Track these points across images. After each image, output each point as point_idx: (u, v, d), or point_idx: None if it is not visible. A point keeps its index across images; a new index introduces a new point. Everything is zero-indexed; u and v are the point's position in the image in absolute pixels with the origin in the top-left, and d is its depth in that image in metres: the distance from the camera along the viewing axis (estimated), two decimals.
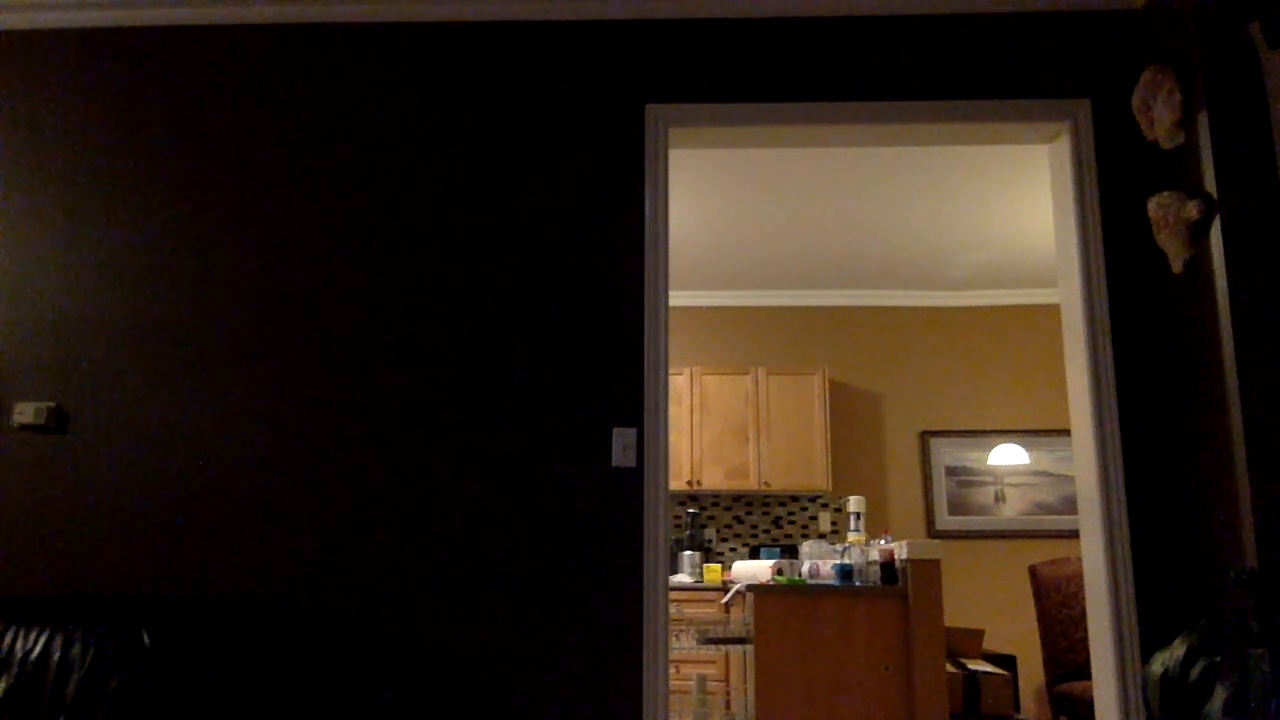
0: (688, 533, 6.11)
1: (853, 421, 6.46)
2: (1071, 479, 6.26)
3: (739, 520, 6.38)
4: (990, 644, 6.09)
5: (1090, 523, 2.85)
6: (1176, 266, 2.78)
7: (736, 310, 6.62)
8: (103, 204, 3.09)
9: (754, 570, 4.22)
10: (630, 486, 2.86)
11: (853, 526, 4.65)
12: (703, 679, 4.35)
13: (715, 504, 6.40)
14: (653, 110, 3.08)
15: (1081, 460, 2.91)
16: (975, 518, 6.30)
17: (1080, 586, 4.56)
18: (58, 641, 2.48)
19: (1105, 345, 2.88)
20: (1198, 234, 2.69)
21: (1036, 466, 6.33)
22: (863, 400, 6.49)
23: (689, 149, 3.79)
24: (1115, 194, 2.97)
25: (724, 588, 5.59)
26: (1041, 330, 6.50)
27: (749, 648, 3.98)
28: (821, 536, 6.32)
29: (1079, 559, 4.71)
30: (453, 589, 2.81)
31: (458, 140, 3.10)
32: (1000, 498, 6.32)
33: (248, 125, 3.13)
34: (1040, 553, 6.22)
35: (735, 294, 6.57)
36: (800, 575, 4.07)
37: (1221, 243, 2.59)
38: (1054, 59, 3.07)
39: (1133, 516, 2.78)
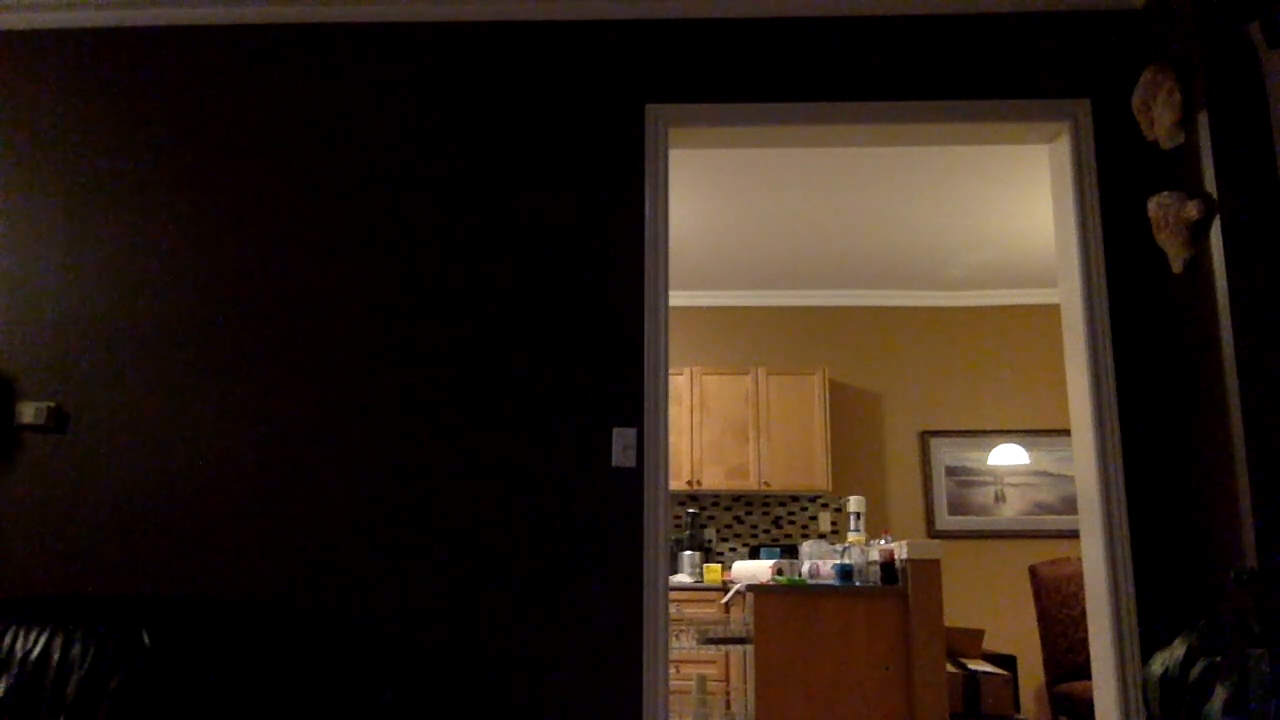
0: (688, 533, 6.11)
1: (853, 421, 6.46)
2: (1071, 479, 6.26)
3: (739, 520, 6.38)
4: (990, 644, 6.09)
5: (1090, 523, 2.85)
6: (1176, 266, 2.78)
7: (736, 310, 6.62)
8: (103, 204, 3.09)
9: (754, 570, 4.22)
10: (630, 486, 2.86)
11: (853, 526, 4.65)
12: (703, 679, 4.35)
13: (715, 504, 6.40)
14: (653, 110, 3.08)
15: (1081, 460, 2.91)
16: (975, 518, 6.30)
17: (1080, 586, 4.56)
18: (58, 641, 2.48)
19: (1105, 345, 2.88)
20: (1198, 234, 2.69)
21: (1036, 466, 6.33)
22: (863, 400, 6.49)
23: (689, 149, 3.79)
24: (1115, 194, 2.97)
25: (724, 588, 5.59)
26: (1041, 330, 6.50)
27: (749, 648, 3.98)
28: (821, 536, 6.32)
29: (1079, 559, 4.71)
30: (453, 589, 2.81)
31: (458, 140, 3.10)
32: (1000, 498, 6.32)
33: (248, 125, 3.13)
34: (1040, 553, 6.22)
35: (735, 294, 6.57)
36: (800, 575, 4.07)
37: (1221, 243, 2.59)
38: (1054, 59, 3.07)
39: (1133, 516, 2.78)
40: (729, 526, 6.37)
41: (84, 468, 2.91)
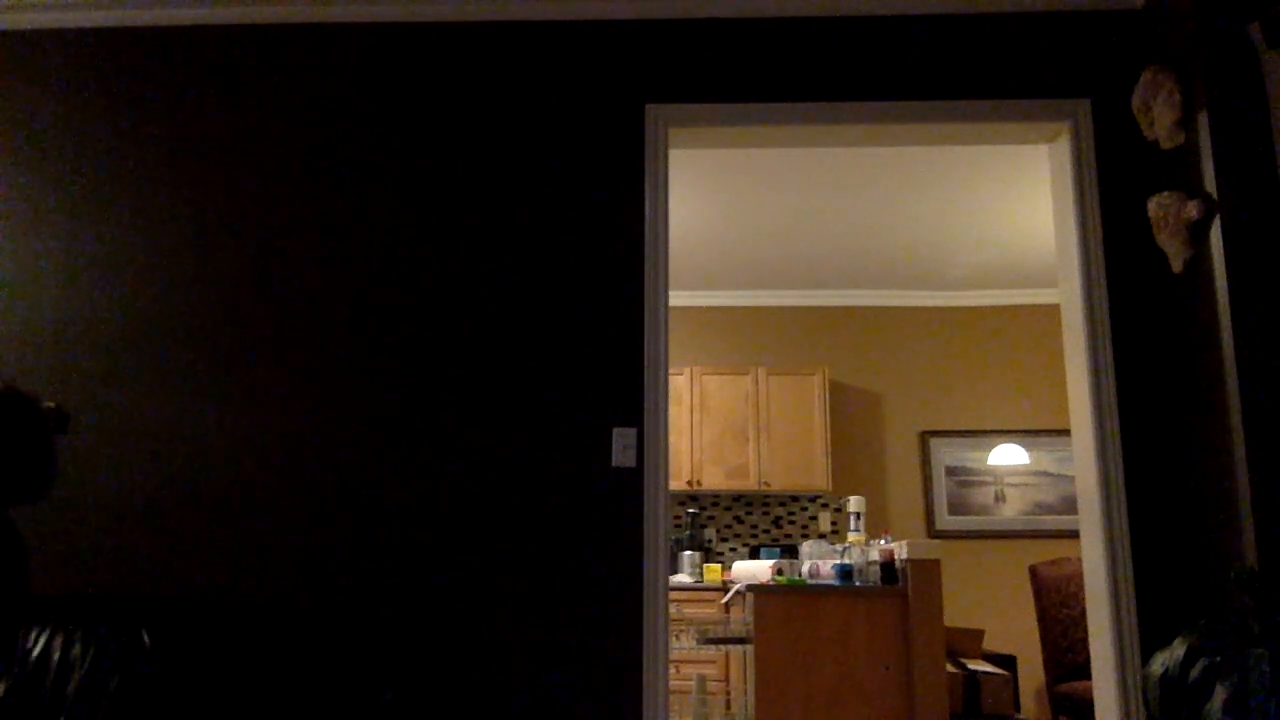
0: (688, 533, 6.11)
1: (853, 421, 6.46)
2: (1071, 479, 6.26)
3: (739, 520, 6.38)
4: (990, 644, 6.09)
5: (1090, 523, 2.85)
6: (1176, 266, 2.78)
7: (736, 310, 6.62)
8: (103, 204, 3.09)
9: (754, 570, 4.22)
10: (630, 486, 2.86)
11: (853, 526, 4.65)
12: (703, 679, 4.35)
13: (715, 504, 6.40)
14: (653, 110, 3.08)
15: (1081, 460, 2.91)
16: (975, 518, 6.29)
17: (1080, 586, 4.56)
18: (58, 641, 2.48)
19: (1105, 345, 2.88)
20: (1198, 234, 2.69)
21: (1036, 466, 6.33)
22: (863, 400, 6.49)
23: (689, 149, 3.79)
24: (1115, 194, 2.97)
25: (724, 588, 5.59)
26: (1041, 330, 6.50)
27: (749, 648, 3.99)
28: (821, 536, 6.32)
29: (1079, 559, 4.71)
30: (453, 589, 2.81)
31: (458, 140, 3.10)
32: (1000, 498, 6.32)
33: (248, 125, 3.13)
34: (1040, 553, 6.22)
35: (735, 294, 6.57)
36: (800, 575, 4.07)
37: (1221, 243, 2.59)
38: (1054, 59, 3.07)
39: (1133, 516, 2.78)
40: (729, 526, 6.37)
41: (84, 468, 2.91)
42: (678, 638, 5.30)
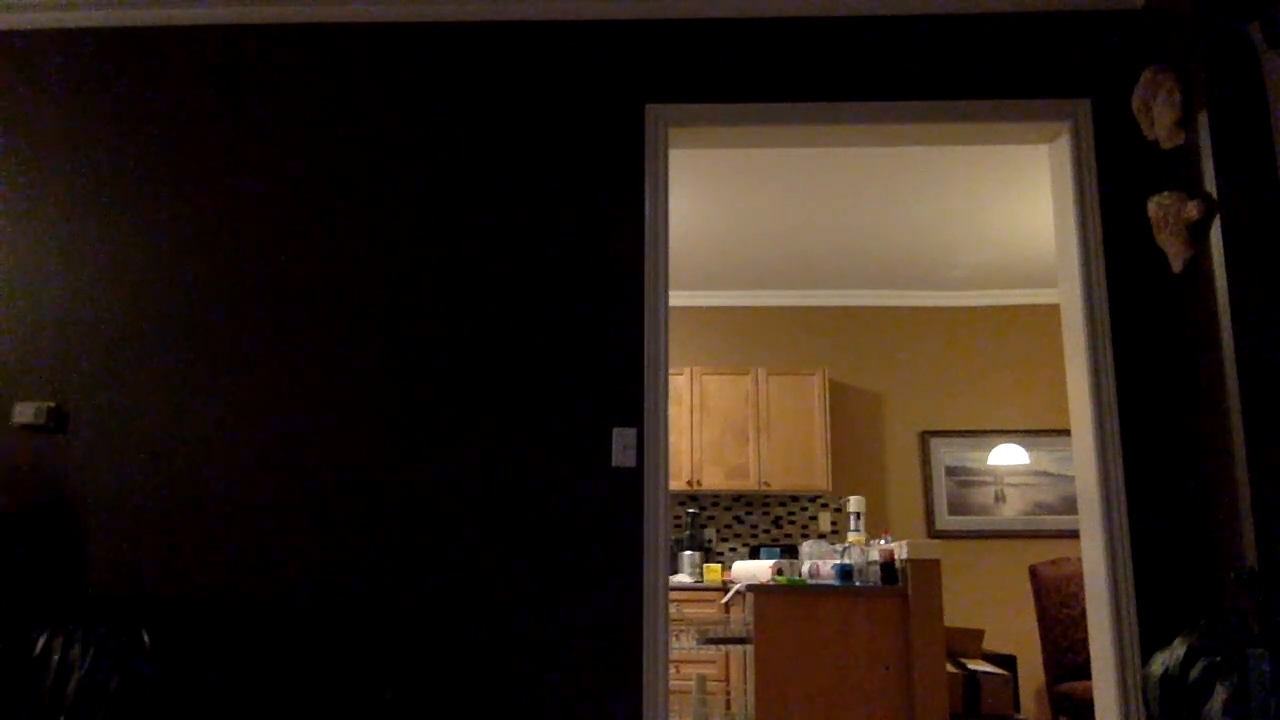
0: (688, 533, 6.11)
1: (853, 421, 6.46)
2: (1071, 479, 6.26)
3: (739, 520, 6.38)
4: (990, 644, 6.09)
5: (1090, 523, 2.85)
6: (1176, 266, 2.78)
7: (736, 310, 6.62)
8: (102, 204, 3.09)
9: (754, 570, 4.22)
10: (630, 486, 2.86)
11: (853, 526, 4.65)
12: (703, 679, 4.35)
13: (715, 504, 6.40)
14: (653, 110, 3.08)
15: (1081, 460, 2.90)
16: (975, 518, 6.29)
17: (1080, 586, 4.56)
18: (58, 641, 2.48)
19: (1105, 345, 2.88)
20: (1198, 234, 2.69)
21: (1036, 466, 6.33)
22: (863, 400, 6.49)
23: (689, 149, 3.79)
24: (1115, 194, 2.97)
25: (724, 588, 5.58)
26: (1041, 330, 6.50)
27: (749, 648, 3.98)
28: (821, 536, 6.32)
29: (1079, 559, 4.70)
30: (453, 589, 2.81)
31: (458, 140, 3.10)
32: (1000, 498, 6.32)
33: (248, 125, 3.13)
34: (1040, 553, 6.22)
35: (735, 294, 6.57)
36: (800, 575, 4.07)
37: (1221, 243, 2.59)
38: (1054, 59, 3.07)
39: (1133, 516, 2.78)
40: (729, 526, 6.37)
41: (84, 468, 2.91)
42: (678, 638, 5.30)
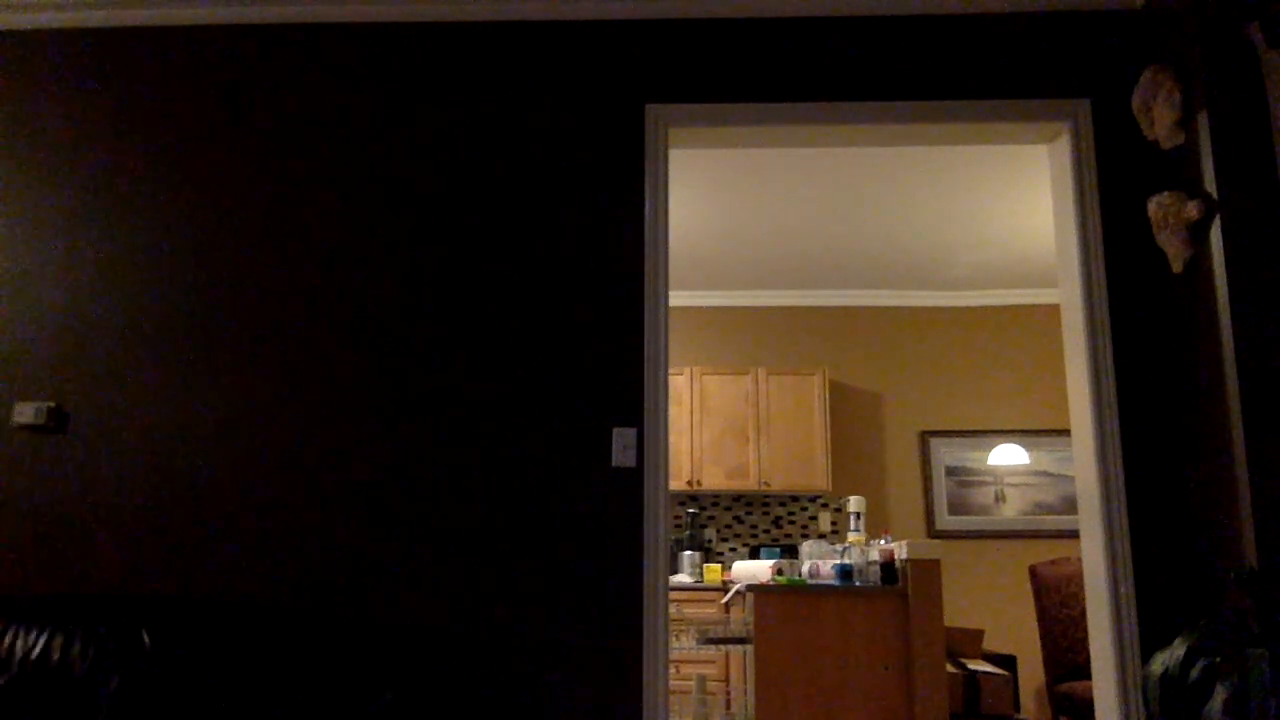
0: (688, 533, 6.11)
1: (853, 421, 6.46)
2: (1071, 479, 6.26)
3: (739, 520, 6.38)
4: (990, 644, 6.09)
5: (1090, 523, 2.85)
6: (1176, 266, 2.78)
7: (736, 310, 6.62)
8: (102, 204, 3.09)
9: (754, 570, 4.22)
10: (630, 486, 2.86)
11: (853, 526, 4.65)
12: (703, 679, 4.35)
13: (715, 504, 6.40)
14: (653, 110, 3.08)
15: (1081, 460, 2.90)
16: (975, 518, 6.30)
17: (1080, 586, 4.56)
18: (58, 641, 2.48)
19: (1105, 345, 2.88)
20: (1198, 234, 2.69)
21: (1036, 466, 6.33)
22: (863, 400, 6.49)
23: (689, 149, 3.79)
24: (1115, 194, 2.97)
25: (724, 588, 5.59)
26: (1041, 330, 6.50)
27: (749, 648, 3.98)
28: (821, 536, 6.32)
29: (1079, 559, 4.71)
30: (453, 589, 2.81)
31: (458, 140, 3.10)
32: (1000, 498, 6.32)
33: (248, 125, 3.13)
34: (1040, 553, 6.22)
35: (735, 294, 6.57)
36: (800, 575, 4.07)
37: (1221, 243, 2.59)
38: (1054, 59, 3.07)
39: (1133, 516, 2.78)
40: (729, 526, 6.37)
41: (84, 468, 2.91)
42: (678, 638, 5.30)
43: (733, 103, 3.07)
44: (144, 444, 2.92)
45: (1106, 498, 2.79)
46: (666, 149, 3.07)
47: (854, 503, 4.71)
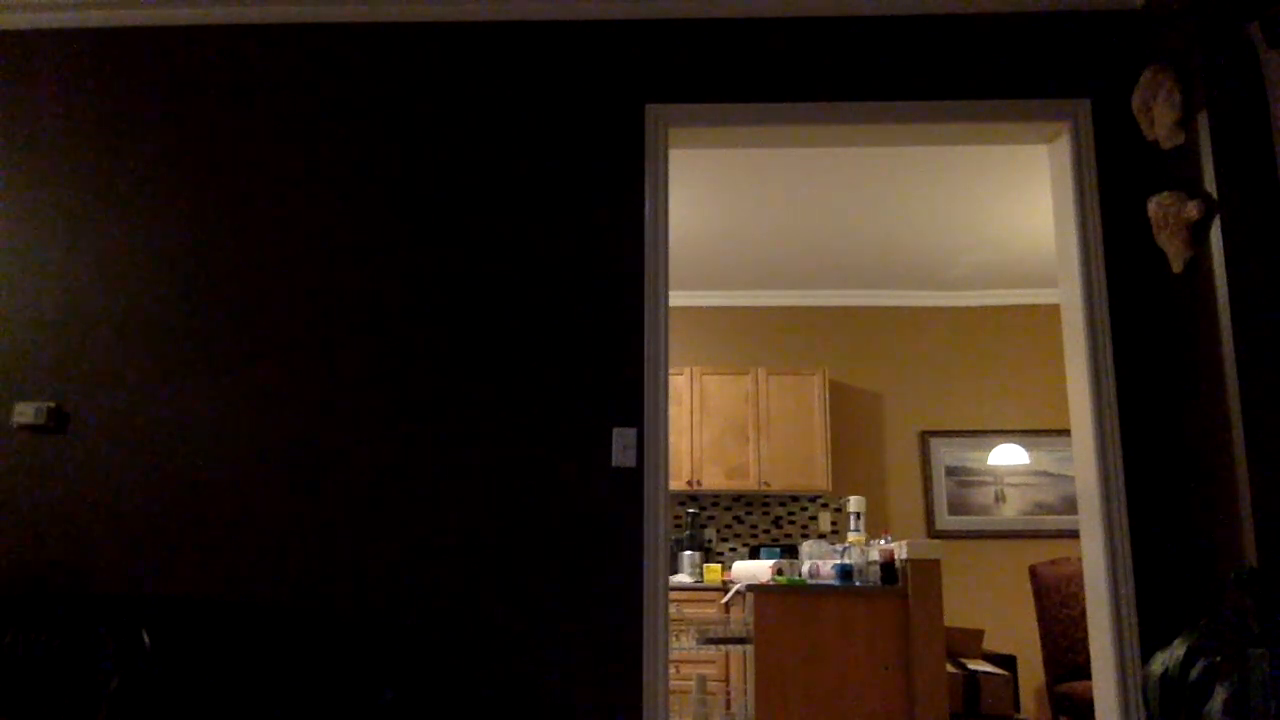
0: (688, 533, 6.11)
1: (853, 421, 6.46)
2: (1071, 479, 6.26)
3: (739, 520, 6.38)
4: (990, 644, 6.09)
5: (1090, 523, 2.85)
6: (1176, 266, 2.78)
7: (736, 310, 6.62)
8: (102, 204, 3.09)
9: (754, 570, 4.22)
10: (630, 486, 2.86)
11: (853, 526, 4.65)
12: (703, 679, 4.35)
13: (715, 504, 6.40)
14: (653, 110, 3.08)
15: (1081, 460, 2.90)
16: (975, 518, 6.29)
17: (1080, 586, 4.56)
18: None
19: (1105, 345, 2.88)
20: (1198, 234, 2.69)
21: (1036, 466, 6.33)
22: (863, 400, 6.49)
23: (689, 149, 3.79)
24: (1115, 194, 2.97)
25: (724, 588, 5.58)
26: (1041, 330, 6.50)
27: (749, 648, 3.98)
28: (821, 536, 6.32)
29: (1079, 559, 4.70)
30: (453, 589, 2.81)
31: (458, 140, 3.10)
32: (1000, 498, 6.32)
33: (247, 125, 3.13)
34: (1040, 553, 6.22)
35: (735, 294, 6.57)
36: (800, 575, 4.07)
37: (1221, 243, 2.59)
38: (1054, 59, 3.07)
39: (1133, 516, 2.78)
40: (729, 526, 6.37)
41: (84, 468, 2.91)
42: (678, 638, 5.30)
43: (733, 103, 3.07)
44: (144, 444, 2.92)
45: (1106, 498, 2.79)
46: (666, 149, 3.07)
47: (854, 503, 4.71)
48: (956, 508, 6.31)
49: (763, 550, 5.16)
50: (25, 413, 2.94)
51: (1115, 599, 2.73)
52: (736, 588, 4.36)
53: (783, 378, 6.20)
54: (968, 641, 5.27)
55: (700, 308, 6.62)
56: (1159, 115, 2.80)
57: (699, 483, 6.06)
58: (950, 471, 6.36)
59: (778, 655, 3.74)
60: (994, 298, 6.52)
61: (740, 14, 3.13)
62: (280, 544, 2.85)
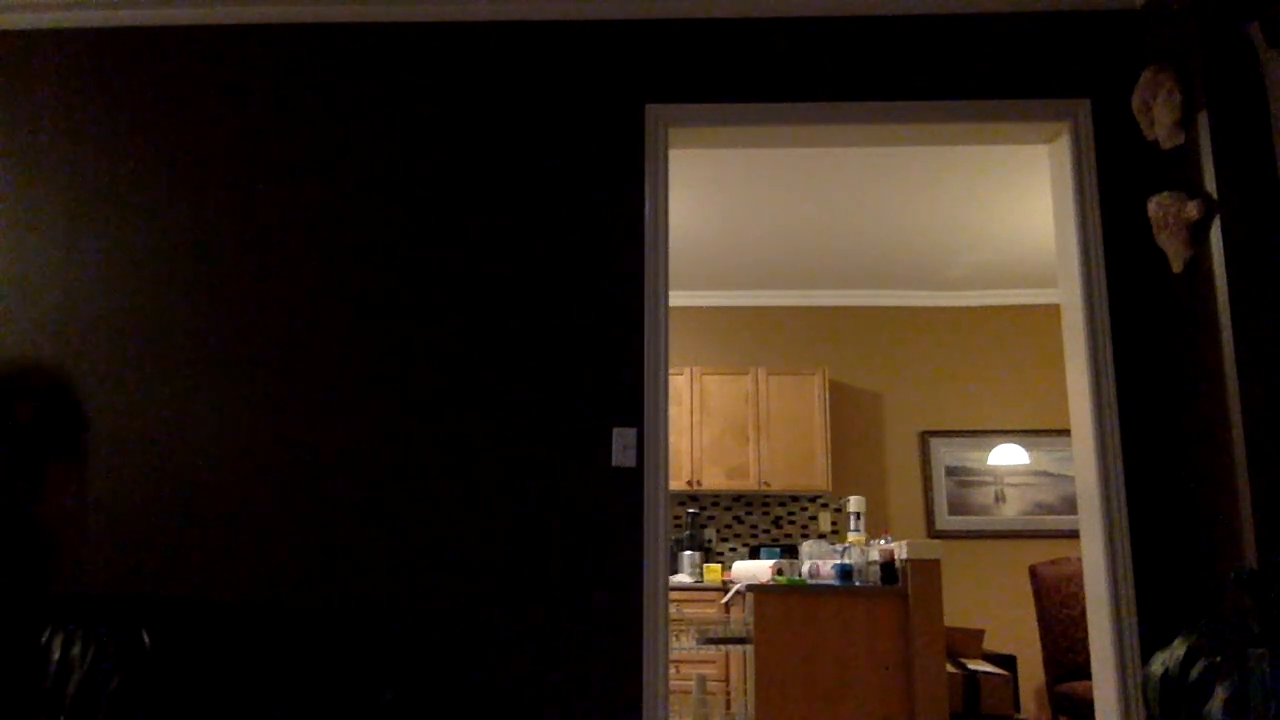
0: (688, 533, 6.11)
1: (853, 421, 6.46)
2: (1071, 479, 6.26)
3: (739, 520, 6.38)
4: (990, 644, 6.09)
5: (1090, 523, 2.85)
6: (1176, 266, 2.78)
7: (736, 310, 6.62)
8: (102, 204, 3.09)
9: (754, 570, 4.22)
10: (630, 486, 2.86)
11: (853, 526, 4.65)
12: (703, 679, 4.35)
13: (715, 504, 6.40)
14: (653, 110, 3.08)
15: (1081, 460, 2.90)
16: (975, 518, 6.29)
17: (1080, 586, 4.56)
18: (58, 641, 2.48)
19: (1105, 345, 2.88)
20: (1198, 234, 2.69)
21: (1036, 466, 6.33)
22: (863, 400, 6.49)
23: (689, 149, 3.79)
24: (1115, 194, 2.97)
25: (724, 588, 5.58)
26: (1041, 330, 6.50)
27: (749, 648, 3.99)
28: (821, 536, 6.32)
29: (1079, 559, 4.70)
30: (453, 589, 2.81)
31: (458, 140, 3.10)
32: (1000, 498, 6.32)
33: (248, 125, 3.13)
34: (1040, 553, 6.22)
35: (735, 294, 6.57)
36: (800, 575, 4.07)
37: (1221, 243, 2.59)
38: (1054, 59, 3.07)
39: (1133, 516, 2.78)
40: (729, 526, 6.37)
41: (84, 468, 2.91)
42: (678, 638, 5.30)
43: (733, 103, 3.07)
44: (144, 444, 2.92)
45: (1106, 498, 2.79)
46: (666, 149, 3.07)
47: (854, 503, 4.71)
48: (956, 508, 6.31)
49: (763, 550, 5.16)
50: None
51: (1115, 599, 2.73)
52: (736, 588, 4.36)
53: (783, 378, 6.20)
54: (968, 641, 5.27)
55: (700, 308, 6.62)
56: (1159, 115, 2.80)
57: (699, 483, 6.06)
58: (950, 471, 6.36)
59: (778, 655, 3.74)
60: (994, 298, 6.52)
61: (740, 14, 3.13)
62: (280, 544, 2.85)
